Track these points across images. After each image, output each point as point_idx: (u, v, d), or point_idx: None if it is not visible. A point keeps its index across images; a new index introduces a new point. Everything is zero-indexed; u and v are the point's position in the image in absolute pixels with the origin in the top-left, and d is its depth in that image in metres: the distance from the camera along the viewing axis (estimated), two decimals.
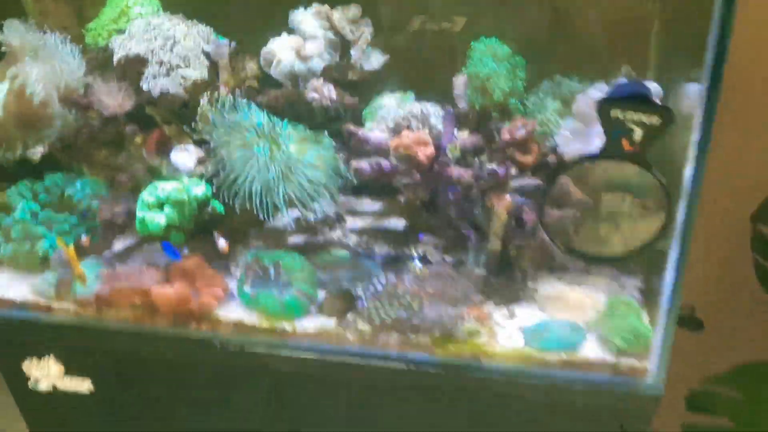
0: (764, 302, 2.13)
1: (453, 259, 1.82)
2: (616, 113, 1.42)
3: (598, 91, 1.64)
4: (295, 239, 1.95)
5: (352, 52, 1.98)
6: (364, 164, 1.76)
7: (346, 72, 1.98)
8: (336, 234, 1.97)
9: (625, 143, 1.44)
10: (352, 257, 1.91)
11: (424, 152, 1.72)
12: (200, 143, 1.90)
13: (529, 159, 1.69)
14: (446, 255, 1.83)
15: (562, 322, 1.67)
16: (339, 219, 1.93)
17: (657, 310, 1.55)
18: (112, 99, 1.88)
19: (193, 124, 1.84)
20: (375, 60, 1.99)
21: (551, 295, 1.72)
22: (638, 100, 1.44)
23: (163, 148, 1.92)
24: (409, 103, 1.91)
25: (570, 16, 1.86)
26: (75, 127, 1.95)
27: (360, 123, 1.98)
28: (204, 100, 1.81)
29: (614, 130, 1.44)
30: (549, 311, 1.71)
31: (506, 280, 1.77)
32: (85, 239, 1.94)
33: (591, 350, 1.62)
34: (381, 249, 1.90)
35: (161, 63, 1.85)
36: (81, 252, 1.89)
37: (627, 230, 1.61)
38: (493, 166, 1.72)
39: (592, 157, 1.52)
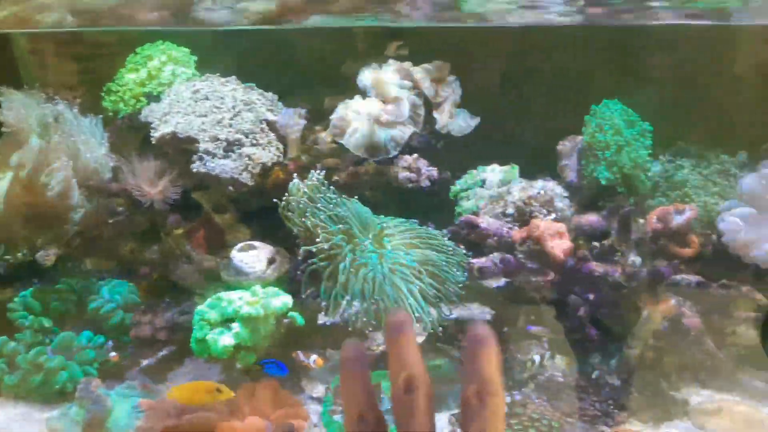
0: None
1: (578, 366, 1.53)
2: None
3: None
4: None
5: (437, 115, 1.65)
6: (486, 262, 1.44)
7: (430, 140, 1.65)
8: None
9: None
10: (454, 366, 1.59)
11: (561, 246, 1.42)
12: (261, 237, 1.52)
13: (688, 252, 1.42)
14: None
15: None
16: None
17: None
18: (152, 184, 1.47)
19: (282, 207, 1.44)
20: (464, 123, 1.67)
21: (709, 409, 1.46)
22: None
23: (215, 244, 1.53)
24: (515, 178, 1.60)
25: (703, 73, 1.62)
26: (96, 218, 1.52)
27: (444, 201, 1.67)
28: (296, 181, 1.42)
29: None
30: (710, 429, 1.45)
31: (650, 393, 1.49)
32: (114, 355, 1.52)
33: None
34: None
35: (217, 139, 1.45)
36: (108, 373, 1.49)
37: None
38: (633, 259, 1.44)
39: None
